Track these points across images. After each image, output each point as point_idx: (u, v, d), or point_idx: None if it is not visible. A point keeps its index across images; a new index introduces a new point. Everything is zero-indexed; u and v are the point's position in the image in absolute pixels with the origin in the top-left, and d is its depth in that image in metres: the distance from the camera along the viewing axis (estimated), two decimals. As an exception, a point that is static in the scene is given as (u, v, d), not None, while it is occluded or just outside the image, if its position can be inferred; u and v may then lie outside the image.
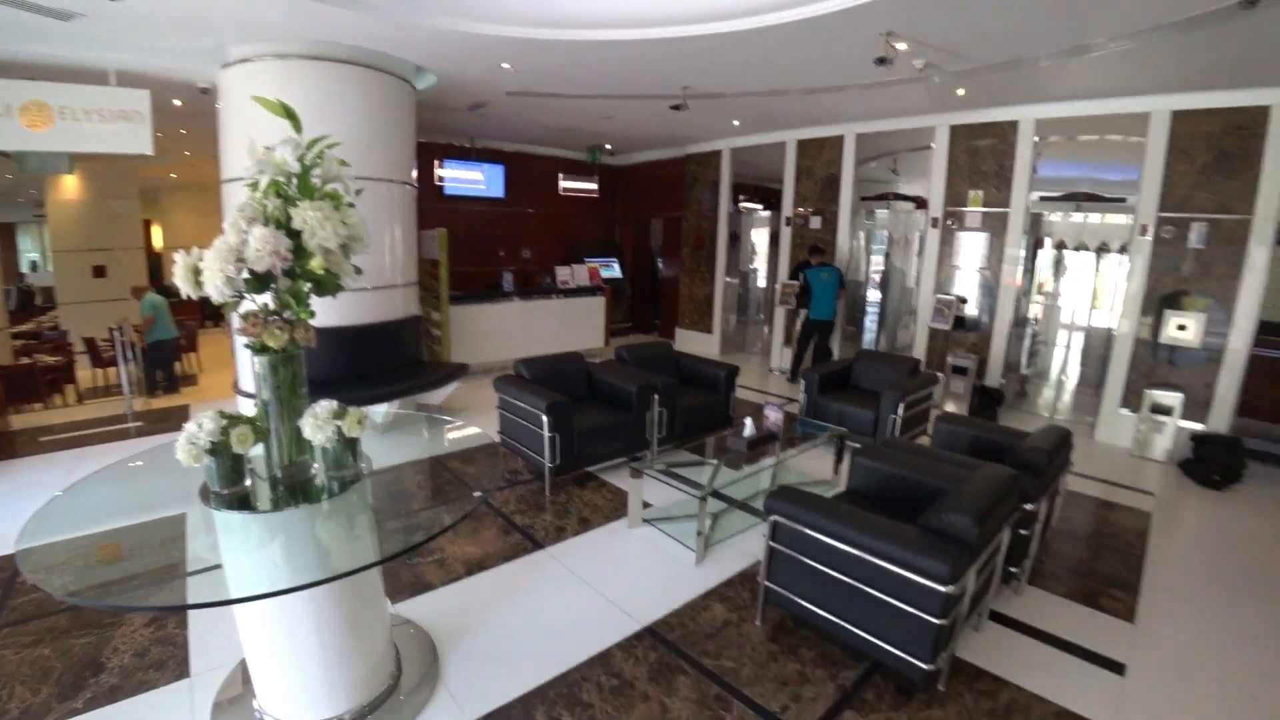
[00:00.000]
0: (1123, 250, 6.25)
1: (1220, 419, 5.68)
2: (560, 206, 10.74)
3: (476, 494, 2.44)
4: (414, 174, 6.01)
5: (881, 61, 4.53)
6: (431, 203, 8.81)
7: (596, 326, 9.03)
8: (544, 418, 4.14)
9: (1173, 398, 5.63)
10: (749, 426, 4.21)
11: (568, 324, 8.64)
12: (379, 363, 5.59)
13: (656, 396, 4.70)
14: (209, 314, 11.36)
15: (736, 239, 9.62)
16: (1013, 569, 3.23)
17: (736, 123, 8.01)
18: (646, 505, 4.12)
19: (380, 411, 4.61)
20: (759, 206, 9.34)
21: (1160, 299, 5.89)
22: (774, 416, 4.36)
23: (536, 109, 7.31)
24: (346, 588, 2.10)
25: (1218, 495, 5.08)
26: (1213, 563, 3.95)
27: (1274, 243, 5.40)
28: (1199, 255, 5.69)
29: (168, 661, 2.64)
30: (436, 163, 9.14)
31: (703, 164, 9.69)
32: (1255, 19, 3.73)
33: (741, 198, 9.45)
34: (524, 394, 4.43)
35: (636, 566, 3.51)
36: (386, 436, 3.26)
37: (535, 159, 10.28)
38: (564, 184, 10.66)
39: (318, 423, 1.96)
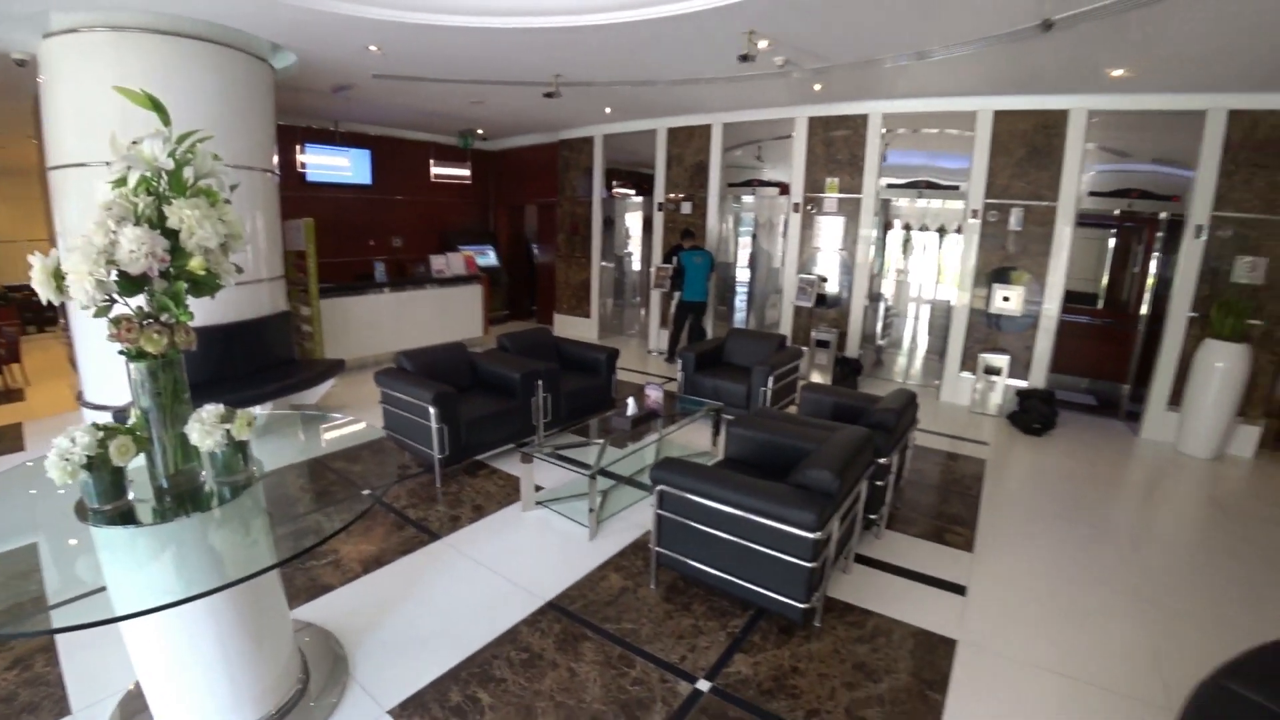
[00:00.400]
0: (958, 231, 7.06)
1: (1039, 376, 6.63)
2: (432, 193, 10.43)
3: (366, 493, 2.44)
4: (275, 160, 5.67)
5: (745, 58, 4.83)
6: (294, 190, 8.27)
7: (475, 315, 8.91)
8: (431, 409, 4.12)
9: (1001, 360, 6.51)
10: (631, 406, 4.41)
11: (446, 314, 8.47)
12: (247, 363, 5.27)
13: (540, 382, 4.79)
14: (32, 318, 10.05)
15: (611, 224, 9.80)
16: (872, 516, 3.67)
17: (609, 110, 8.15)
18: (538, 488, 4.23)
19: (253, 414, 4.37)
20: (632, 192, 9.56)
21: (990, 274, 6.74)
22: (654, 395, 4.59)
23: (405, 93, 7.07)
24: (246, 594, 2.05)
25: (1038, 440, 5.97)
26: (1034, 497, 4.68)
27: (1074, 224, 6.36)
28: (1018, 236, 6.58)
29: (42, 703, 2.40)
30: (298, 147, 8.58)
31: (576, 150, 9.76)
32: (1052, 39, 4.37)
33: (615, 183, 9.62)
34: (408, 387, 4.37)
35: (534, 547, 3.62)
36: (263, 441, 3.13)
37: (405, 144, 9.90)
38: (435, 170, 10.34)
39: (206, 428, 1.90)
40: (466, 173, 10.73)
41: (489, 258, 10.67)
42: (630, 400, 4.47)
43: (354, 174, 9.21)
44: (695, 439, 5.21)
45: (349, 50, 5.41)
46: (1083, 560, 3.75)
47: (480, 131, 10.14)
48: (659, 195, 8.90)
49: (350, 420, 3.24)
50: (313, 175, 8.78)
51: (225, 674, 2.11)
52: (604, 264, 9.85)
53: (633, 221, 9.96)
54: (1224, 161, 5.74)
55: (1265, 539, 4.20)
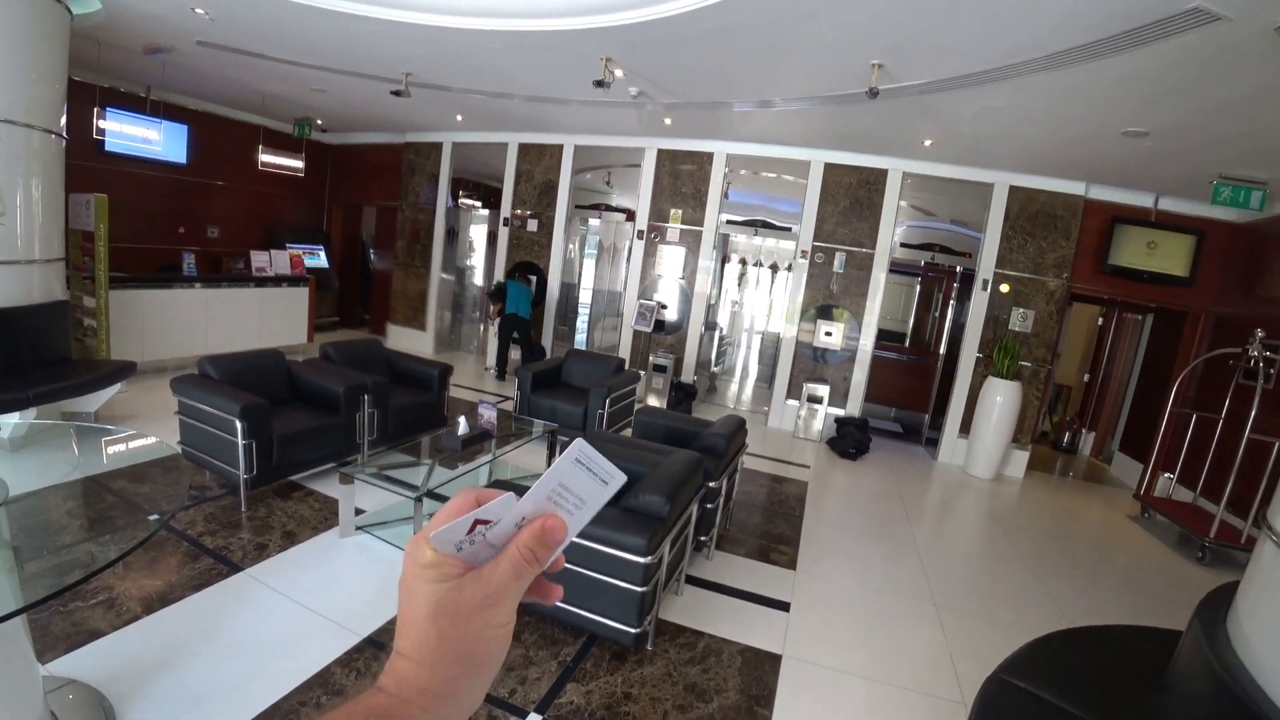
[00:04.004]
0: (789, 269, 7.61)
1: (855, 405, 7.26)
2: (259, 182, 9.43)
3: (153, 517, 2.10)
4: (63, 121, 4.83)
5: (600, 84, 4.89)
6: (87, 160, 7.14)
7: (300, 321, 8.12)
8: (237, 423, 3.67)
9: (822, 389, 7.08)
10: (463, 425, 4.23)
11: (265, 317, 7.64)
12: (6, 360, 4.40)
13: (367, 397, 4.47)
14: None
15: (454, 235, 9.47)
16: (703, 538, 3.77)
17: (460, 117, 7.91)
18: (359, 512, 3.88)
19: (9, 423, 3.64)
20: (478, 204, 9.30)
21: (816, 310, 7.32)
22: (487, 414, 4.43)
23: (235, 66, 6.35)
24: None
25: (853, 464, 6.52)
26: (848, 516, 5.10)
27: (888, 270, 7.11)
28: (840, 277, 7.23)
29: None
30: (97, 110, 7.38)
31: (423, 154, 9.34)
32: (877, 106, 4.87)
33: (462, 193, 9.31)
34: (211, 397, 3.87)
35: (352, 577, 3.31)
36: (21, 455, 2.61)
37: (230, 124, 8.89)
38: (264, 157, 9.37)
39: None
40: (300, 164, 9.84)
41: (319, 259, 9.82)
42: (462, 419, 4.28)
43: (165, 150, 8.10)
44: (530, 461, 5.09)
45: (169, 7, 4.78)
46: (889, 573, 4.13)
47: (319, 122, 9.38)
48: (506, 210, 8.73)
49: (137, 433, 2.80)
50: (113, 145, 7.59)
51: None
52: (444, 276, 9.46)
53: (477, 234, 9.68)
54: (1005, 228, 6.73)
55: (1028, 548, 4.91)
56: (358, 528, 3.75)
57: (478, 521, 0.49)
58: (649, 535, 2.59)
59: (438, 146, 9.13)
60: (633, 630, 2.66)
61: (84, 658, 2.51)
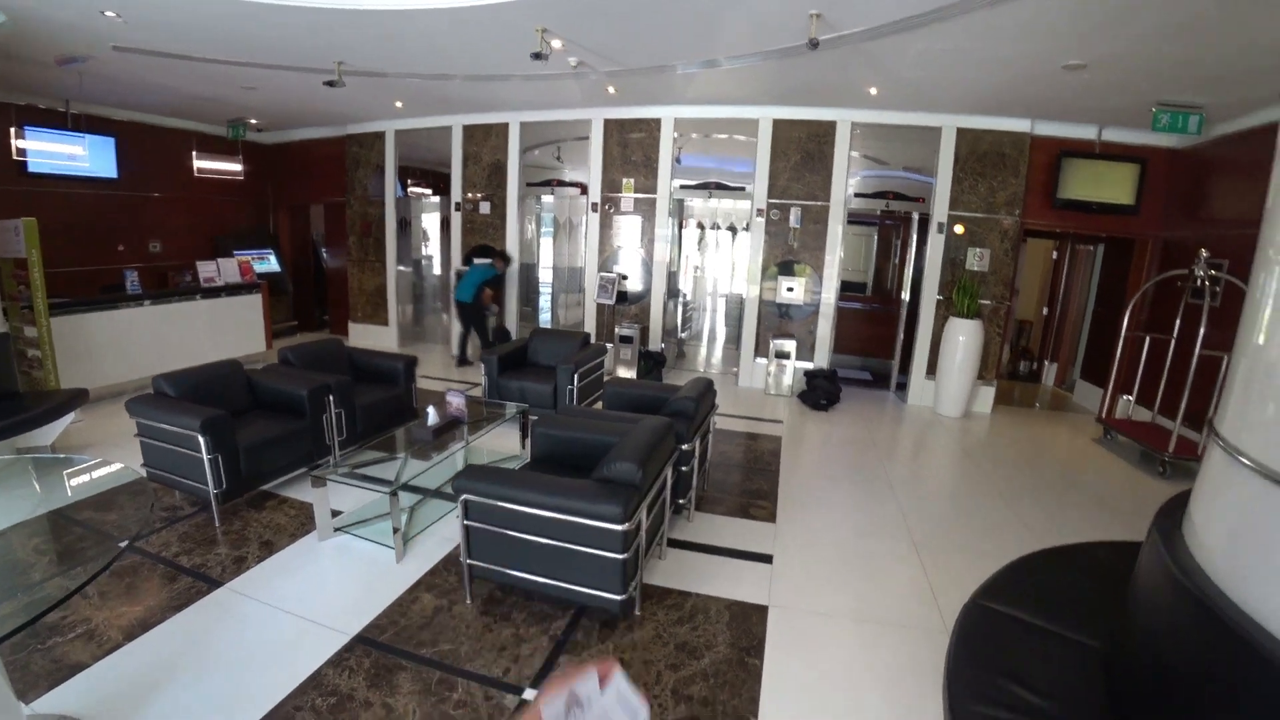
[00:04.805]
0: (746, 229, 7.61)
1: (823, 357, 7.35)
2: (197, 190, 9.09)
3: (123, 543, 2.06)
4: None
5: (538, 56, 4.78)
6: (9, 183, 6.85)
7: (255, 328, 7.89)
8: (200, 438, 3.59)
9: (789, 344, 7.16)
10: (432, 415, 4.19)
11: (219, 328, 7.40)
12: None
13: (331, 397, 4.40)
14: None
15: (407, 225, 9.27)
16: (681, 500, 3.81)
17: (400, 104, 7.70)
18: (336, 513, 3.84)
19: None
20: (429, 192, 9.10)
21: (777, 267, 7.35)
22: (456, 402, 4.39)
23: (157, 70, 6.07)
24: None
25: (825, 415, 6.64)
26: (824, 465, 5.20)
27: (845, 222, 7.14)
28: (797, 233, 7.25)
29: None
30: (14, 130, 7.02)
31: (365, 145, 9.07)
32: (819, 57, 4.84)
33: (410, 182, 9.10)
34: (170, 414, 3.77)
35: (334, 578, 3.29)
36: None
37: (160, 132, 8.53)
38: (200, 163, 9.03)
39: None
40: (238, 167, 9.52)
41: (270, 263, 9.54)
42: (431, 409, 4.23)
43: (93, 165, 7.78)
44: (504, 444, 5.07)
45: (77, 12, 4.55)
46: (867, 515, 4.24)
47: (254, 121, 9.07)
48: (456, 195, 8.57)
49: (98, 461, 2.72)
50: (36, 165, 7.26)
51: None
52: (401, 268, 9.29)
53: (430, 223, 9.47)
54: (955, 170, 6.80)
55: (999, 479, 5.06)
56: (336, 529, 3.71)
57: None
58: (624, 503, 2.61)
59: (380, 136, 8.89)
60: (618, 597, 2.69)
61: (69, 692, 2.45)
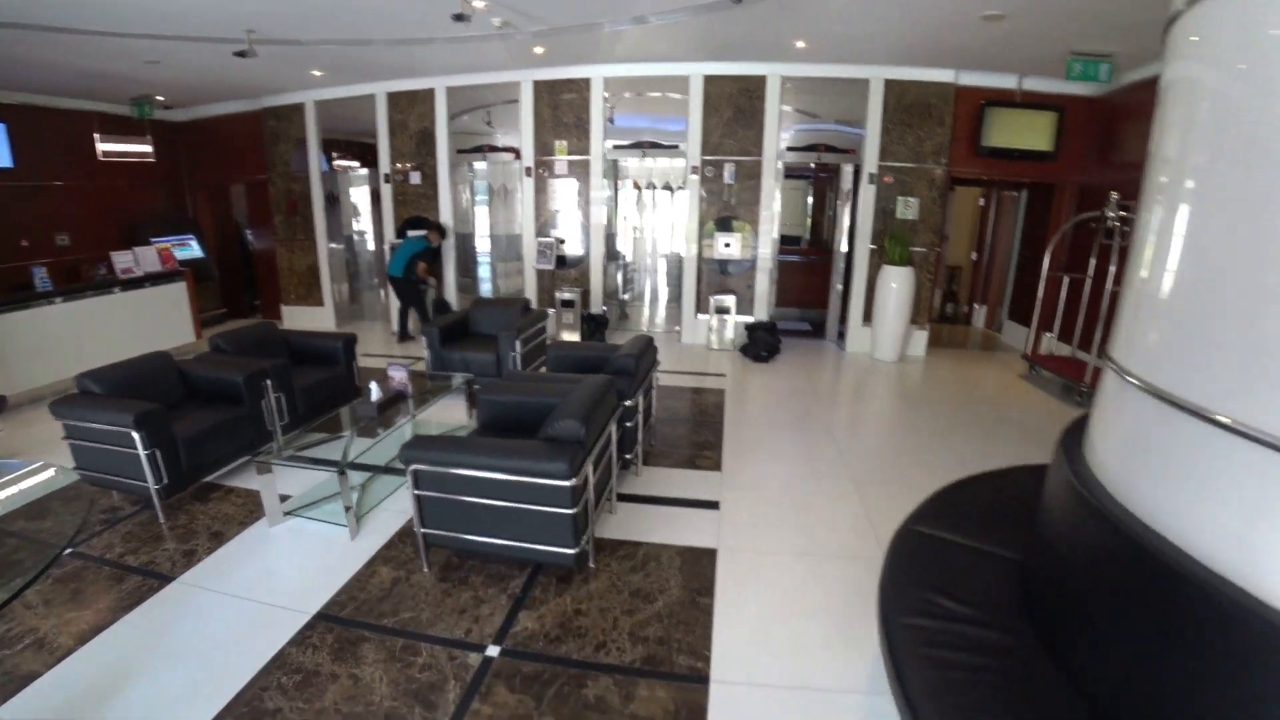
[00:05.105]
0: (683, 188, 7.65)
1: (762, 311, 7.52)
2: (104, 176, 8.51)
3: (66, 550, 2.01)
4: None
5: (459, 18, 4.66)
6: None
7: (182, 318, 7.51)
8: (135, 433, 3.47)
9: (729, 299, 7.32)
10: (375, 391, 4.17)
11: (143, 321, 7.03)
12: None
13: (269, 381, 4.31)
14: None
15: (335, 200, 8.94)
16: (628, 456, 3.92)
17: (318, 73, 7.38)
18: (284, 498, 3.79)
19: None
20: (356, 164, 8.75)
21: (714, 224, 7.43)
22: (399, 376, 4.36)
23: (47, 46, 5.64)
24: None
25: (766, 366, 6.85)
26: (767, 414, 5.39)
27: (784, 176, 7.25)
28: (732, 189, 7.33)
29: None
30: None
31: (284, 118, 8.64)
32: (746, 12, 4.85)
33: (335, 155, 8.73)
34: (100, 412, 3.62)
35: (289, 561, 3.29)
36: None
37: (56, 114, 7.92)
38: (104, 146, 8.43)
39: None
40: (148, 149, 8.96)
41: (192, 249, 9.06)
42: (373, 385, 4.21)
43: (-17, 155, 7.24)
44: (451, 415, 5.07)
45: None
46: (809, 458, 4.45)
47: (161, 98, 8.52)
48: (385, 166, 8.31)
49: (28, 468, 2.63)
50: (-84, 159, 6.73)
51: None
52: (333, 245, 8.97)
53: (360, 196, 9.16)
54: (884, 121, 6.94)
55: (933, 417, 5.36)
56: (286, 513, 3.68)
57: None
58: (569, 459, 2.68)
59: (299, 108, 8.49)
60: (572, 551, 2.78)
61: (24, 703, 2.40)
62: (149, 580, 3.14)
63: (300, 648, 2.62)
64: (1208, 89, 1.76)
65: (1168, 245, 1.84)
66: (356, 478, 3.88)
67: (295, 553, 3.36)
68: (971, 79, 6.83)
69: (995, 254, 8.93)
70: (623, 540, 3.34)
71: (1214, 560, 1.53)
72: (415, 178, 8.20)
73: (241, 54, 5.66)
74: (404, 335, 7.95)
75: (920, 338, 7.32)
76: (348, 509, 3.43)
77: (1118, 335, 2.12)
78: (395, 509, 3.71)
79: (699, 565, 3.13)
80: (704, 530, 3.45)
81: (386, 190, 8.38)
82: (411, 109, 8.02)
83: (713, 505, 3.74)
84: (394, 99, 8.06)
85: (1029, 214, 8.09)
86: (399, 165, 8.27)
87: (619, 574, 3.06)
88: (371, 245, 9.26)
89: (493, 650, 2.57)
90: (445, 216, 8.13)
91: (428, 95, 7.90)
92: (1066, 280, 6.43)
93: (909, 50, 6.17)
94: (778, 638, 2.65)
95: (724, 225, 7.41)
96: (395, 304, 8.09)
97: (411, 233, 7.75)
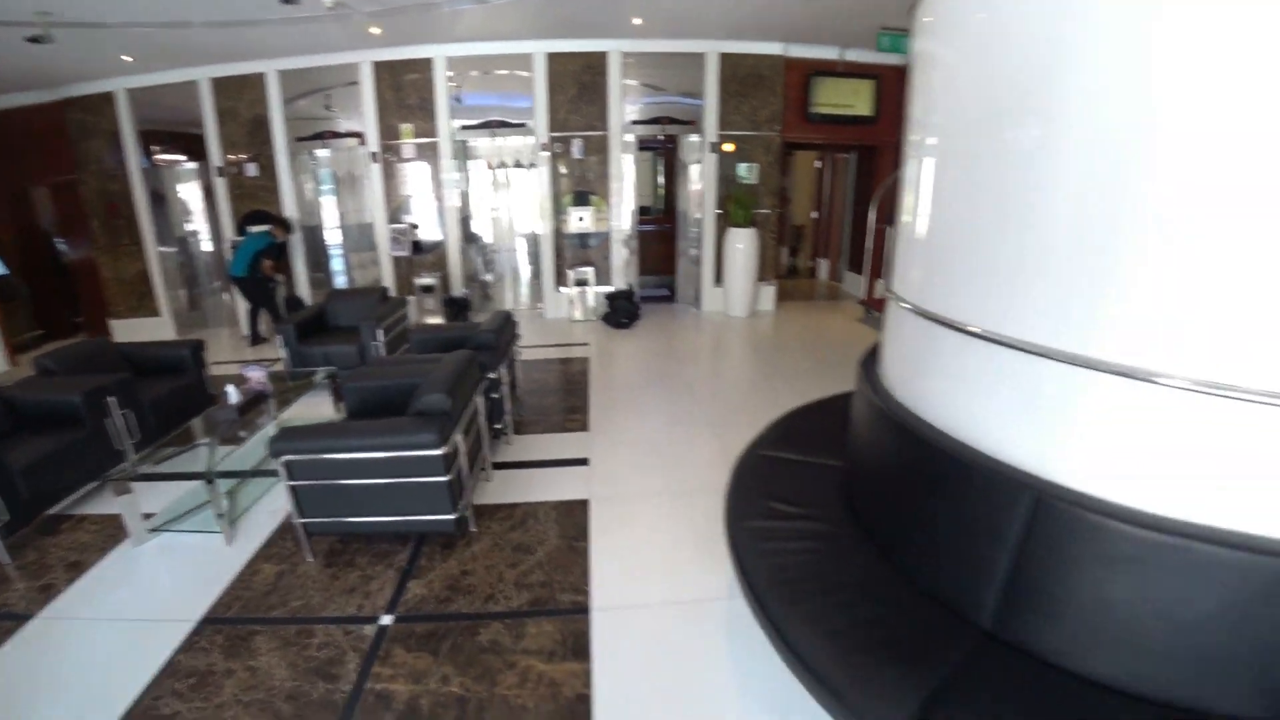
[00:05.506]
0: (534, 165, 7.77)
1: (621, 280, 7.86)
2: None
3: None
4: None
5: (288, 1, 4.51)
6: None
7: (-13, 344, 6.74)
8: (-44, 471, 3.21)
9: (587, 272, 7.63)
10: (233, 394, 4.08)
11: (-62, 355, 6.27)
12: None
13: (111, 398, 4.07)
14: None
15: (162, 199, 8.21)
16: (498, 425, 4.15)
17: (128, 58, 6.74)
18: (148, 516, 3.63)
19: None
20: (183, 158, 8.07)
21: (568, 199, 7.66)
22: (256, 375, 4.28)
23: None
24: None
25: (628, 332, 7.27)
26: (629, 375, 5.81)
27: (635, 150, 7.54)
28: (582, 164, 7.55)
29: None
30: None
31: (93, 110, 7.75)
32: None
33: (156, 149, 7.98)
34: (-95, 457, 3.30)
35: (164, 576, 3.19)
36: None
37: None
38: None
39: None
40: (-77, 151, 7.80)
41: (-9, 266, 8.04)
42: (229, 388, 4.10)
43: None
44: (318, 411, 4.98)
45: None
46: (670, 410, 4.89)
47: (-68, 92, 7.45)
48: (216, 158, 7.75)
49: None
50: None
51: None
52: (164, 249, 8.24)
53: (190, 193, 8.44)
54: (721, 92, 7.39)
55: (781, 362, 6.01)
56: (152, 530, 3.55)
57: None
58: (438, 429, 2.87)
59: (109, 98, 7.67)
60: (451, 517, 2.98)
61: None
62: (3, 623, 2.93)
63: (189, 654, 2.62)
64: (938, 60, 2.16)
65: (919, 194, 2.28)
66: (224, 484, 3.81)
67: (169, 567, 3.27)
68: (799, 51, 7.42)
69: (833, 212, 9.79)
70: (501, 504, 3.58)
71: (958, 431, 2.03)
72: (252, 169, 7.73)
73: (36, 39, 5.11)
74: (256, 338, 7.50)
75: (769, 293, 7.99)
76: (220, 515, 3.39)
77: (894, 270, 2.57)
78: (270, 508, 3.70)
79: (574, 516, 3.43)
80: (576, 484, 3.76)
81: (220, 184, 7.82)
82: (241, 95, 7.53)
83: (583, 462, 4.06)
84: (220, 85, 7.50)
85: (859, 173, 8.92)
86: (232, 157, 7.75)
87: (500, 534, 3.29)
88: (209, 246, 8.59)
89: (386, 619, 2.72)
90: (289, 209, 7.75)
91: (258, 80, 7.44)
92: (889, 231, 7.25)
93: (739, 25, 6.61)
94: (649, 565, 3.02)
95: (582, 200, 7.64)
96: (243, 306, 7.62)
97: (253, 229, 7.29)
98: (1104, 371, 1.63)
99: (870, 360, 2.84)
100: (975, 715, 1.61)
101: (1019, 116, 1.78)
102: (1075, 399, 1.72)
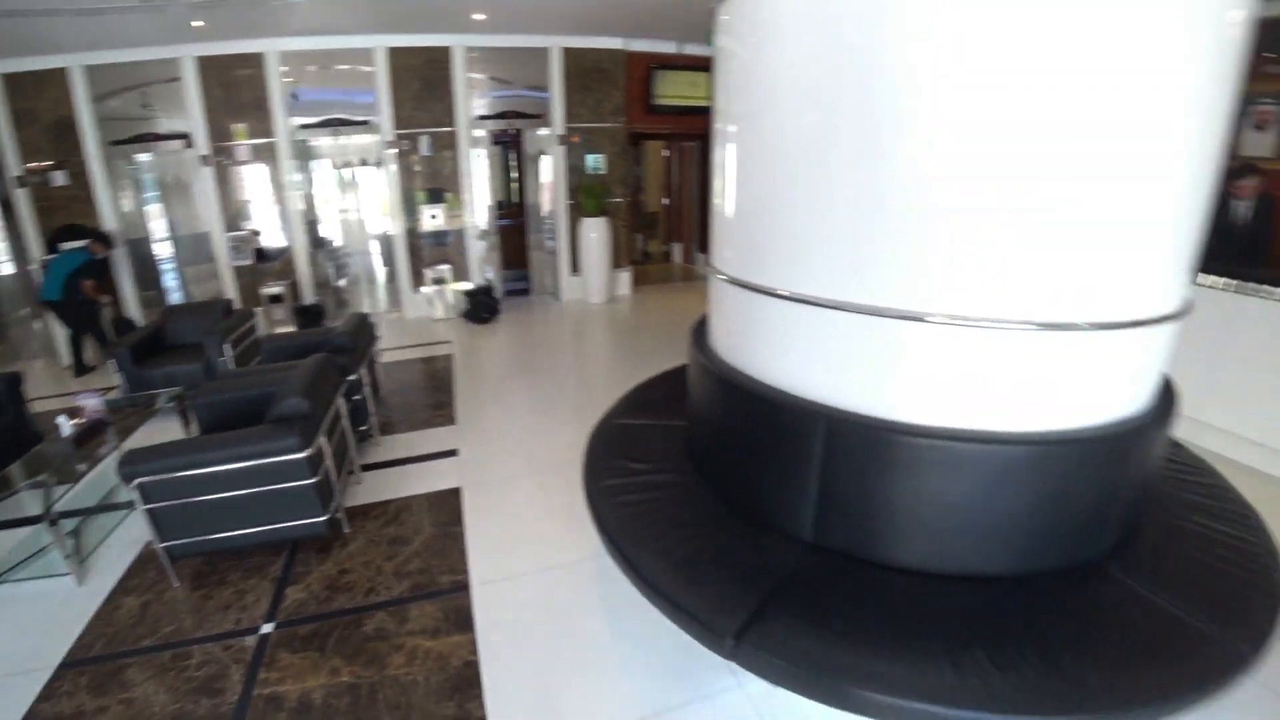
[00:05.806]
0: (380, 164, 7.61)
1: (480, 276, 7.93)
2: None
3: None
4: None
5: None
6: None
7: None
8: None
9: (444, 270, 7.66)
10: (65, 426, 3.81)
11: None
12: None
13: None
14: None
15: (-57, 218, 7.15)
16: (363, 427, 4.21)
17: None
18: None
19: None
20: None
21: (420, 197, 7.59)
22: (91, 403, 4.01)
23: None
24: None
25: (488, 326, 7.43)
26: (493, 368, 6.02)
27: (487, 145, 7.60)
28: (431, 161, 7.52)
29: None
30: None
31: None
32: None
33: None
34: None
35: (9, 628, 2.93)
36: None
37: None
38: None
39: None
40: None
41: None
42: (61, 419, 3.82)
43: None
44: (167, 435, 4.59)
45: None
46: (534, 398, 5.18)
47: None
48: (14, 167, 6.86)
49: None
50: None
51: None
52: (-50, 275, 7.24)
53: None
54: (566, 86, 7.60)
55: (638, 342, 6.48)
56: (-20, 588, 3.27)
57: None
58: (300, 433, 2.93)
59: None
60: (323, 519, 3.06)
61: None
62: None
63: (51, 701, 2.49)
64: (733, 55, 2.47)
65: (726, 177, 2.60)
66: (68, 523, 3.57)
67: (11, 619, 3.00)
68: (640, 45, 7.77)
69: (683, 198, 10.33)
70: (373, 503, 3.68)
71: (770, 379, 2.42)
72: (59, 177, 6.90)
73: None
74: (81, 367, 6.64)
75: (625, 279, 8.38)
76: (67, 558, 3.20)
77: (713, 246, 2.89)
78: (125, 540, 3.51)
79: (447, 504, 3.62)
80: (447, 475, 3.95)
81: (21, 196, 6.91)
82: (40, 93, 6.69)
83: (452, 453, 4.25)
84: (12, 82, 6.61)
85: (703, 160, 9.44)
86: (33, 165, 6.90)
87: (375, 531, 3.42)
88: (10, 268, 7.63)
89: (267, 628, 2.76)
90: (109, 221, 7.04)
91: (59, 76, 6.64)
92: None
93: (580, 20, 6.81)
94: (522, 538, 3.29)
95: (434, 197, 7.60)
96: (62, 333, 6.82)
97: (66, 245, 6.55)
98: (881, 316, 2.05)
99: (700, 328, 3.19)
100: (801, 607, 2.02)
101: (801, 105, 2.12)
102: (858, 341, 2.14)
